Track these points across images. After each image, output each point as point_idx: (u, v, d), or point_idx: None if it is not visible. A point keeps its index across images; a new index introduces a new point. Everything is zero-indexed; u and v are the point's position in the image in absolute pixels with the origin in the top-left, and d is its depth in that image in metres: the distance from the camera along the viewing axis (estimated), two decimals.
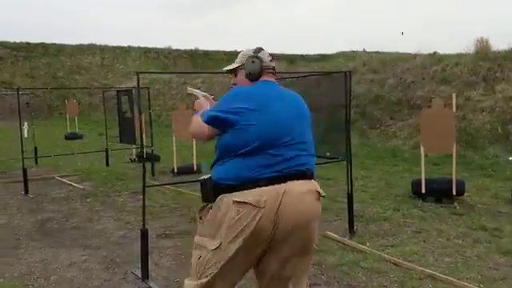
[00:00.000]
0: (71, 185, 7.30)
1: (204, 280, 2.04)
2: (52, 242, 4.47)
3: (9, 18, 61.01)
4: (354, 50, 23.00)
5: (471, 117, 9.35)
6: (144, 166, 3.53)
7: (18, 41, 27.58)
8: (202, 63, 29.49)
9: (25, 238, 4.62)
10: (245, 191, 1.95)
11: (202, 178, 2.17)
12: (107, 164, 9.23)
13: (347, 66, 12.85)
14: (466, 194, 5.75)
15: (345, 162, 4.61)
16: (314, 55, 28.82)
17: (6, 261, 3.97)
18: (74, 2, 74.60)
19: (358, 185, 6.56)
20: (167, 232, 4.72)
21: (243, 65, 2.22)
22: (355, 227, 4.58)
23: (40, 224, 5.13)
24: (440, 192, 5.64)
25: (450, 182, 5.58)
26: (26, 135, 10.54)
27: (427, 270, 3.48)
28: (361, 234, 4.49)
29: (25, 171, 6.78)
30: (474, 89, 9.99)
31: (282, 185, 1.97)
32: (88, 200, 6.25)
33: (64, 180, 7.70)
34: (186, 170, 7.90)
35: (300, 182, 2.02)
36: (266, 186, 1.95)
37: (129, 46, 30.46)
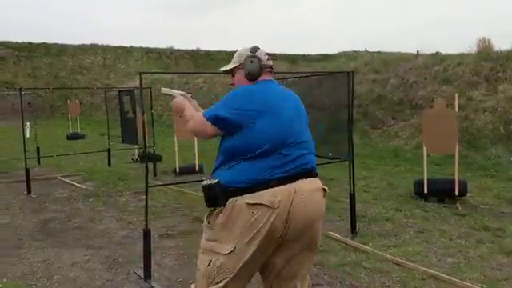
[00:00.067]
0: (73, 185, 7.31)
1: (219, 285, 1.98)
2: (54, 242, 4.48)
3: (11, 19, 61.25)
4: (356, 50, 23.05)
5: (473, 117, 9.33)
6: (147, 166, 3.53)
7: (20, 41, 27.59)
8: (204, 63, 29.47)
9: (27, 238, 4.63)
10: (257, 193, 1.93)
11: (207, 183, 2.03)
12: (109, 164, 9.25)
13: (349, 66, 12.83)
14: (468, 194, 5.74)
15: (347, 162, 4.61)
16: (316, 55, 28.82)
17: (9, 261, 3.97)
18: (74, 5, 74.79)
19: (360, 185, 6.54)
20: (169, 232, 4.71)
21: (241, 64, 2.20)
22: (357, 227, 4.57)
23: (42, 224, 5.14)
24: (442, 192, 5.64)
25: (453, 182, 5.58)
26: (28, 135, 10.57)
27: (430, 271, 3.48)
28: (363, 234, 4.49)
29: (27, 171, 6.80)
30: (476, 89, 9.96)
31: (293, 184, 1.97)
32: (90, 200, 6.26)
33: (66, 180, 7.71)
34: (187, 170, 7.91)
35: (308, 180, 2.03)
36: (277, 186, 1.94)
37: (131, 46, 30.43)
